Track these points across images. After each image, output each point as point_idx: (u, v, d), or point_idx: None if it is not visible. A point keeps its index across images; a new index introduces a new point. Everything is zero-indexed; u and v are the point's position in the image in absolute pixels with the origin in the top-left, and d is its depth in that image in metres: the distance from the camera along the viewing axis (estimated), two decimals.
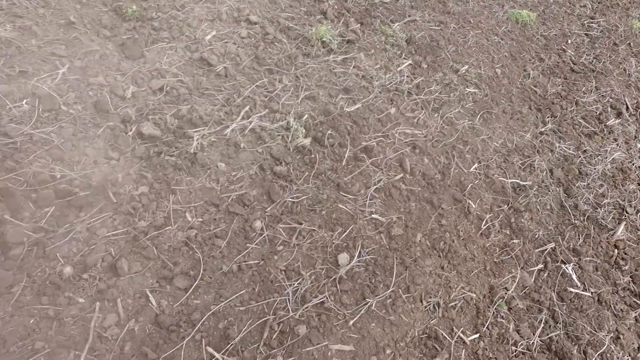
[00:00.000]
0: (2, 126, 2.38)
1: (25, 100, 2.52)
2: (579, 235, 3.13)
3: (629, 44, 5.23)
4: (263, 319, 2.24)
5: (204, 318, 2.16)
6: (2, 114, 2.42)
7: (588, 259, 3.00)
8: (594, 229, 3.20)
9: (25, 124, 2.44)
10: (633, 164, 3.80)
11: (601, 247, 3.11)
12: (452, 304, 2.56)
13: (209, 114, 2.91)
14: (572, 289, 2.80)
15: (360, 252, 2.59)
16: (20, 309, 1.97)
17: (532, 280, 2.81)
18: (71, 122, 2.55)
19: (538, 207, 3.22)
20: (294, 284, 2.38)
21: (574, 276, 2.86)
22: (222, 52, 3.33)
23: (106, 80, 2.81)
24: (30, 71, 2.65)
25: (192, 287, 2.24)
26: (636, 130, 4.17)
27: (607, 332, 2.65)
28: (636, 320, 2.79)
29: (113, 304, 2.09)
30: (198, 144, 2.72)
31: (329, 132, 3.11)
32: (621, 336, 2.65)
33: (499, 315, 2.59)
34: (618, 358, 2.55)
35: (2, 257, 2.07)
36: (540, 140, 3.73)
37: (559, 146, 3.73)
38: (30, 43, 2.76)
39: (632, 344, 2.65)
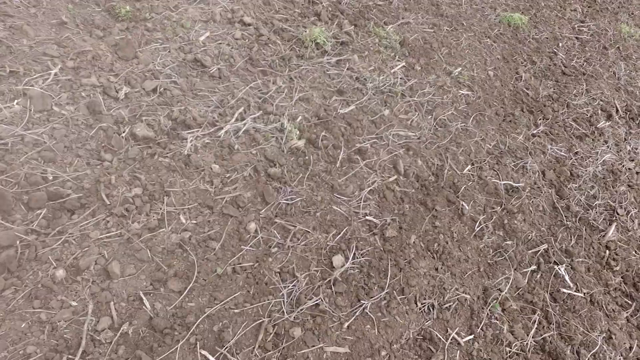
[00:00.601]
0: None
1: (16, 101, 2.49)
2: (571, 237, 3.16)
3: (618, 47, 5.30)
4: (258, 322, 2.23)
5: (198, 321, 2.14)
6: None
7: (580, 259, 3.03)
8: (585, 230, 3.23)
9: (17, 125, 2.40)
10: (623, 166, 3.85)
11: (593, 248, 3.14)
12: (447, 305, 2.57)
13: (203, 115, 2.90)
14: (564, 290, 2.82)
15: (354, 254, 2.60)
16: (11, 312, 1.93)
17: (526, 281, 2.83)
18: (63, 123, 2.52)
19: (531, 208, 3.25)
20: (288, 286, 2.37)
21: (566, 277, 2.88)
22: (215, 53, 3.31)
23: (99, 81, 2.78)
24: (22, 71, 2.62)
25: (187, 290, 2.22)
26: (626, 132, 4.22)
27: (600, 332, 2.67)
28: (628, 320, 2.82)
29: (106, 307, 2.07)
30: (192, 145, 2.71)
31: (323, 133, 3.11)
32: (613, 336, 2.68)
33: (493, 316, 2.61)
34: (610, 358, 2.57)
35: None
36: (532, 142, 3.76)
37: (551, 148, 3.76)
38: (21, 43, 2.73)
39: (624, 343, 2.68)
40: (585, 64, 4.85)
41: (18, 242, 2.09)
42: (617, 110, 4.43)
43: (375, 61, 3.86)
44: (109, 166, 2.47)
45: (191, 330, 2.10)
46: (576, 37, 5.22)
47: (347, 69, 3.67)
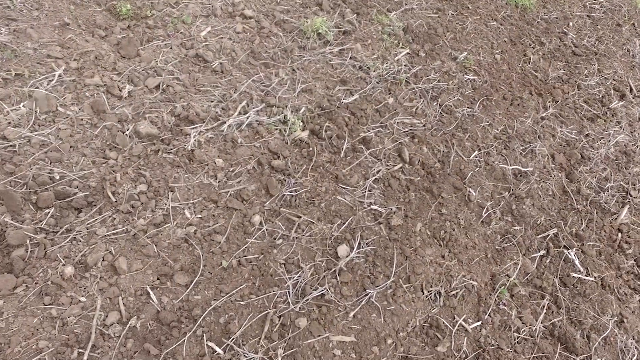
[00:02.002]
0: (1, 130, 2.40)
1: (22, 103, 2.54)
2: (581, 220, 3.11)
3: (633, 24, 5.13)
4: (263, 313, 2.25)
5: (204, 313, 2.18)
6: (0, 118, 2.45)
7: (591, 243, 2.98)
8: (597, 213, 3.17)
9: (24, 127, 2.46)
10: (637, 147, 3.76)
11: (604, 231, 3.08)
12: (454, 292, 2.56)
13: (206, 110, 2.92)
14: (575, 274, 2.78)
15: (359, 243, 2.60)
16: (23, 309, 2.00)
17: (534, 266, 2.79)
18: (68, 124, 2.57)
19: (540, 192, 3.20)
20: (293, 277, 2.39)
21: (576, 261, 2.84)
22: (217, 47, 3.32)
23: (102, 81, 2.82)
24: (27, 74, 2.67)
25: (193, 283, 2.26)
26: None
27: (611, 316, 2.63)
28: None
29: (115, 302, 2.12)
30: (195, 141, 2.73)
31: (327, 124, 3.10)
32: (625, 320, 2.64)
33: (501, 303, 2.59)
34: (622, 341, 2.54)
35: (4, 259, 2.10)
36: (541, 126, 3.69)
37: (561, 131, 3.69)
38: (25, 46, 2.78)
39: (636, 327, 2.63)
40: (597, 42, 4.72)
41: (28, 241, 2.15)
42: (631, 90, 4.31)
43: (379, 49, 3.82)
44: (114, 164, 2.51)
45: (198, 323, 2.14)
46: (587, 15, 5.07)
47: (350, 58, 3.64)
